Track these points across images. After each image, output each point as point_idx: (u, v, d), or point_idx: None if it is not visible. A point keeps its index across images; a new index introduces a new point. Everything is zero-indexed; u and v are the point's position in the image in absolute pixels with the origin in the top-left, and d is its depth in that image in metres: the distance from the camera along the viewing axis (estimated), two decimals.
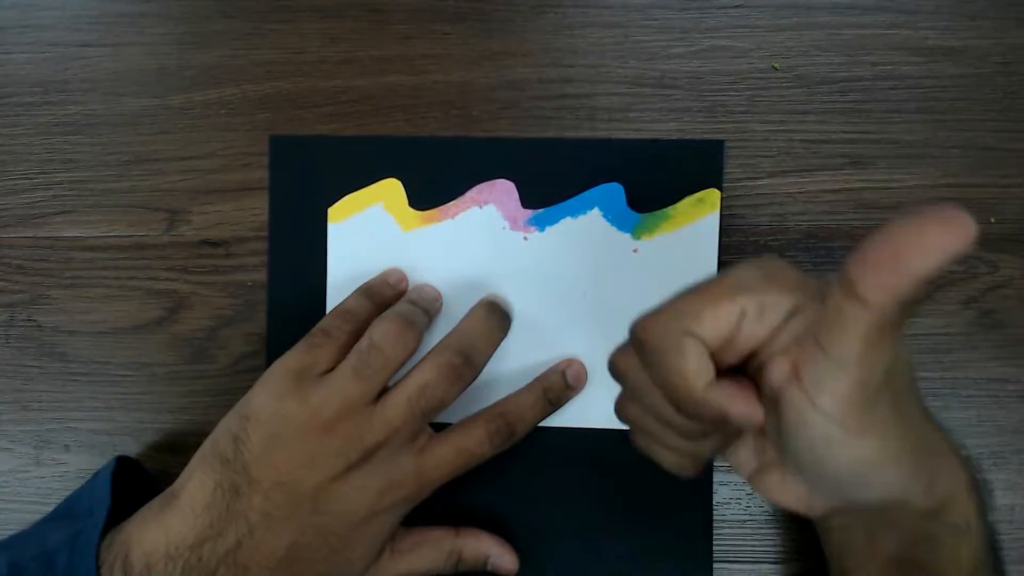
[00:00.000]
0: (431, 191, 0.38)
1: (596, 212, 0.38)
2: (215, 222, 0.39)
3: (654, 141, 0.38)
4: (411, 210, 0.38)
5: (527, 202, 0.38)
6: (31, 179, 0.39)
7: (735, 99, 0.39)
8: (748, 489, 0.38)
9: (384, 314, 0.34)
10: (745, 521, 0.38)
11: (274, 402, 0.32)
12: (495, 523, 0.37)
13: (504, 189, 0.38)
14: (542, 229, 0.38)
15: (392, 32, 0.39)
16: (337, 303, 0.37)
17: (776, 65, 0.39)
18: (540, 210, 0.38)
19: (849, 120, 0.39)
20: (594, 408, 0.38)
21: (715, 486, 0.38)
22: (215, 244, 0.39)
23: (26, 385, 0.39)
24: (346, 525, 0.32)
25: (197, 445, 0.34)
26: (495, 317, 0.35)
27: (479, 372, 0.34)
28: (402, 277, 0.38)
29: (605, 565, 0.38)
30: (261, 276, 0.39)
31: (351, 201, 0.38)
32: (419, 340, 0.34)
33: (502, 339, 0.36)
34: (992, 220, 0.39)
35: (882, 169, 0.39)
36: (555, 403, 0.36)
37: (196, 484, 0.31)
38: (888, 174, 0.39)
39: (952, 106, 0.39)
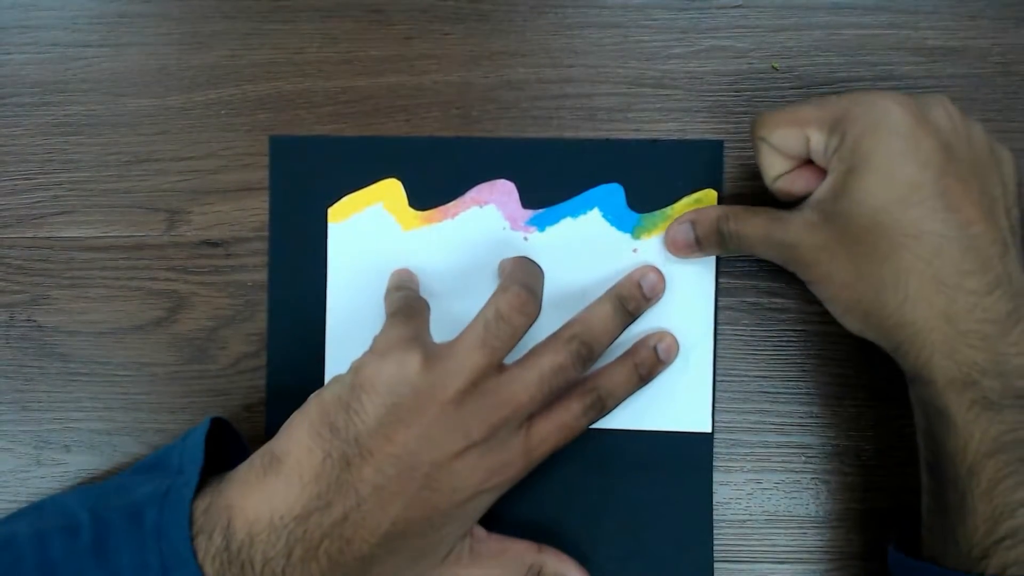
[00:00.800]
0: (431, 191, 0.38)
1: (596, 212, 0.38)
2: (215, 222, 0.39)
3: (653, 141, 0.38)
4: (411, 210, 0.38)
5: (527, 202, 0.38)
6: (31, 179, 0.39)
7: (735, 99, 0.39)
8: (748, 489, 0.38)
9: (503, 284, 0.33)
10: (745, 521, 0.38)
11: (396, 368, 0.30)
12: (494, 523, 0.37)
13: (504, 189, 0.38)
14: (542, 229, 0.38)
15: (392, 32, 0.39)
16: (338, 303, 0.37)
17: (776, 65, 0.39)
18: (540, 210, 0.38)
19: None
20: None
21: (715, 486, 0.38)
22: (215, 244, 0.39)
23: (26, 385, 0.39)
24: (452, 503, 0.31)
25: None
26: (620, 315, 0.35)
27: (595, 362, 0.34)
28: (411, 277, 0.38)
29: (606, 565, 0.38)
30: (261, 276, 0.39)
31: (351, 201, 0.38)
32: (538, 310, 0.33)
33: (621, 333, 0.35)
34: None
35: None
36: (646, 377, 0.36)
37: (303, 451, 0.30)
38: None
39: None
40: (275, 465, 0.30)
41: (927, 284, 0.29)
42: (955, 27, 0.39)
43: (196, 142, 0.39)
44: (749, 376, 0.38)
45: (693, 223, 0.35)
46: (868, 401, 0.39)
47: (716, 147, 0.38)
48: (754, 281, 0.39)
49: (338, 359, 0.38)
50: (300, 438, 0.31)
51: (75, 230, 0.39)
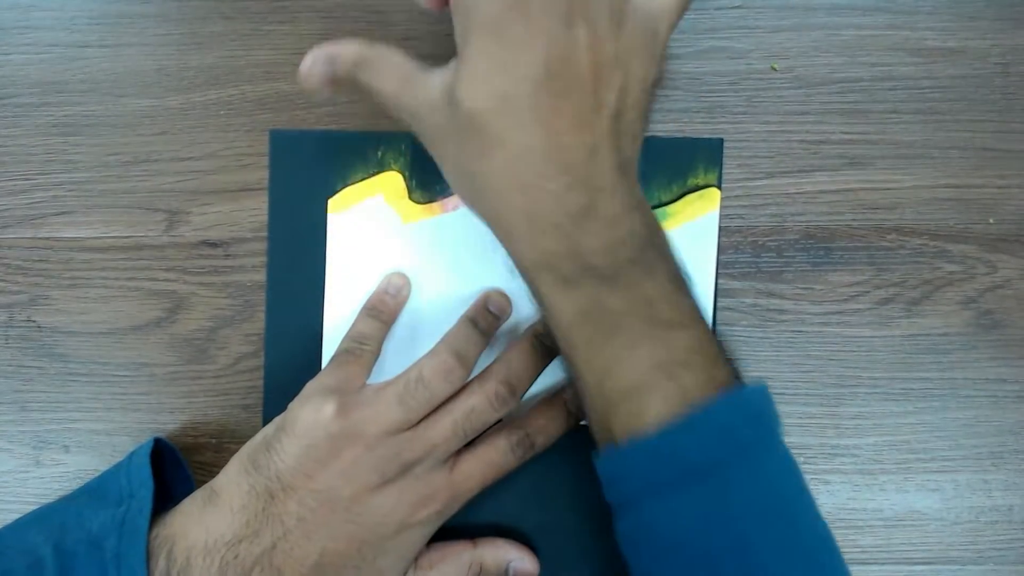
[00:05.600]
0: (431, 185, 0.38)
1: None
2: (214, 223, 0.39)
3: (653, 137, 0.38)
4: (411, 203, 0.38)
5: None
6: (31, 179, 0.39)
7: (734, 100, 0.39)
8: None
9: (436, 347, 0.35)
10: None
11: (312, 414, 0.33)
12: (494, 528, 0.38)
13: None
14: None
15: (392, 32, 0.39)
16: (336, 294, 0.38)
17: (775, 66, 0.39)
18: None
19: (848, 121, 0.39)
20: None
21: None
22: (214, 245, 0.39)
23: (26, 385, 0.39)
24: (379, 535, 0.33)
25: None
26: (541, 350, 0.36)
27: (520, 400, 0.35)
28: (402, 284, 0.38)
29: (603, 566, 0.38)
30: (260, 277, 0.39)
31: (352, 192, 0.38)
32: (468, 375, 0.35)
33: (545, 368, 0.36)
34: (991, 220, 0.39)
35: (880, 169, 0.39)
36: (577, 414, 0.37)
37: (234, 485, 0.33)
38: (887, 174, 0.39)
39: (951, 107, 0.39)
40: (212, 498, 0.33)
41: (511, 185, 0.29)
42: (954, 27, 0.39)
43: (195, 142, 0.39)
44: (748, 375, 0.38)
45: (332, 59, 0.31)
46: (868, 401, 0.39)
47: (716, 144, 0.38)
48: (754, 282, 0.39)
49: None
50: (232, 474, 0.33)
51: (75, 230, 0.39)
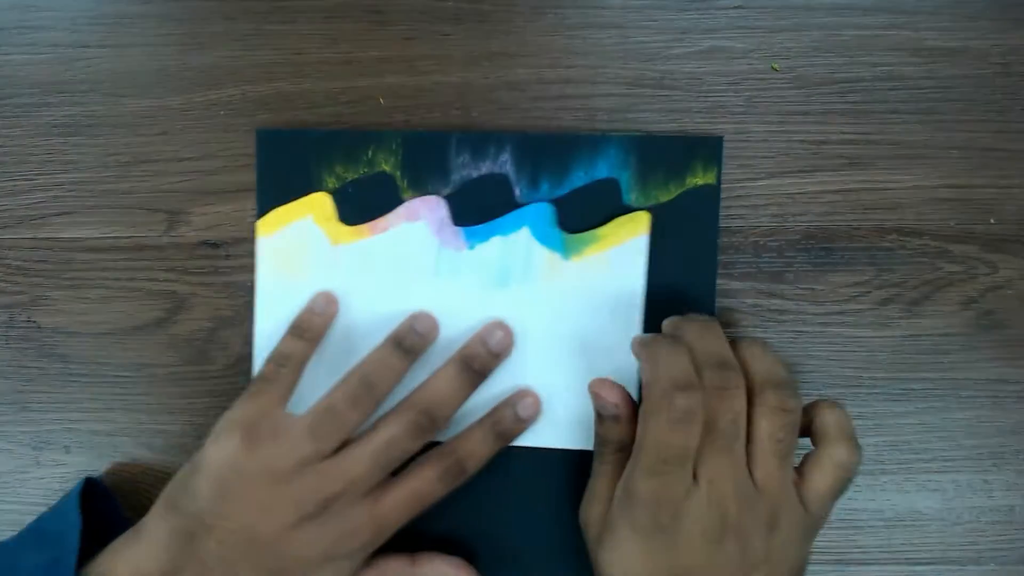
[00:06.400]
0: (423, 184, 0.38)
1: (526, 231, 0.37)
2: (214, 223, 0.39)
3: (650, 136, 0.38)
4: (340, 224, 0.38)
5: (458, 219, 0.38)
6: (31, 180, 0.39)
7: (734, 100, 0.39)
8: None
9: (349, 374, 0.35)
10: None
11: (222, 454, 0.33)
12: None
13: (434, 206, 0.38)
14: (472, 247, 0.38)
15: (392, 33, 0.39)
16: (265, 317, 0.38)
17: (775, 66, 0.39)
18: (470, 227, 0.38)
19: (848, 121, 0.39)
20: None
21: None
22: (214, 245, 0.39)
23: (26, 386, 0.39)
24: (302, 570, 0.33)
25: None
26: (466, 375, 0.35)
27: (444, 428, 0.35)
28: (330, 300, 0.37)
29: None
30: None
31: (280, 214, 0.38)
32: (381, 401, 0.34)
33: (471, 393, 0.36)
34: (992, 221, 0.39)
35: (882, 170, 0.39)
36: (505, 437, 0.36)
37: (155, 526, 0.33)
38: (888, 175, 0.39)
39: (951, 107, 0.39)
40: (136, 536, 0.33)
41: None
42: (955, 27, 0.39)
43: (196, 143, 0.39)
44: None
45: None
46: (869, 401, 0.39)
47: (715, 143, 0.38)
48: (755, 282, 0.39)
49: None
50: (156, 513, 0.33)
51: (75, 231, 0.39)
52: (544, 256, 0.37)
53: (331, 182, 0.38)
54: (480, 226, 0.38)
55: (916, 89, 0.39)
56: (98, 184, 0.39)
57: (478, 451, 0.35)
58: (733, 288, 0.38)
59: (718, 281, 0.38)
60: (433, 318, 0.37)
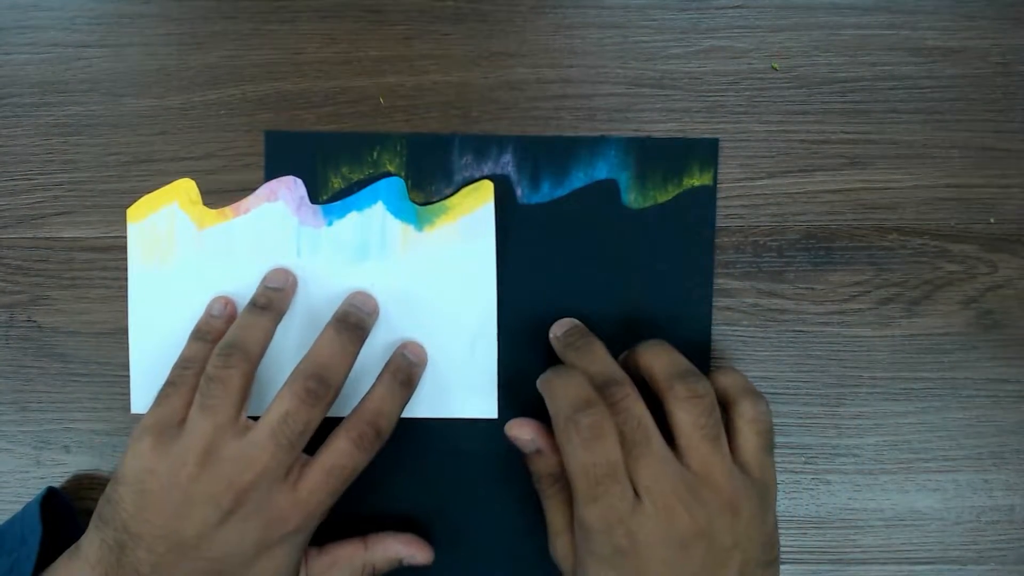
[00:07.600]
0: (427, 185, 0.38)
1: (380, 205, 0.38)
2: None
3: (648, 139, 0.38)
4: (205, 208, 0.39)
5: (314, 197, 0.38)
6: (31, 180, 0.39)
7: (734, 99, 0.39)
8: None
9: (217, 346, 0.34)
10: None
11: (136, 461, 0.33)
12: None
13: (292, 185, 0.38)
14: (330, 223, 0.38)
15: (392, 32, 0.39)
16: (139, 303, 0.38)
17: (775, 65, 0.39)
18: (327, 204, 0.38)
19: (848, 120, 0.39)
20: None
21: None
22: None
23: (26, 386, 0.39)
24: (239, 566, 0.32)
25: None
26: (345, 333, 0.35)
27: (339, 389, 0.34)
28: (226, 303, 0.38)
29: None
30: None
31: (148, 201, 0.39)
32: (250, 360, 0.34)
33: (357, 351, 0.35)
34: (992, 220, 0.39)
35: (881, 169, 0.39)
36: (407, 384, 0.36)
37: (89, 540, 0.33)
38: (887, 174, 0.39)
39: (951, 106, 0.39)
40: (76, 552, 0.33)
41: None
42: (954, 27, 0.39)
43: (196, 142, 0.39)
44: (749, 376, 0.38)
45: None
46: (869, 401, 0.39)
47: (711, 145, 0.38)
48: (755, 282, 0.39)
49: (143, 365, 0.39)
50: (89, 529, 0.33)
51: (75, 230, 0.39)
52: (398, 229, 0.38)
53: (337, 182, 0.38)
54: (337, 203, 0.38)
55: (916, 89, 0.39)
56: (98, 184, 0.39)
57: (386, 407, 0.35)
58: (733, 288, 0.39)
59: (718, 281, 0.38)
60: (292, 274, 0.38)
